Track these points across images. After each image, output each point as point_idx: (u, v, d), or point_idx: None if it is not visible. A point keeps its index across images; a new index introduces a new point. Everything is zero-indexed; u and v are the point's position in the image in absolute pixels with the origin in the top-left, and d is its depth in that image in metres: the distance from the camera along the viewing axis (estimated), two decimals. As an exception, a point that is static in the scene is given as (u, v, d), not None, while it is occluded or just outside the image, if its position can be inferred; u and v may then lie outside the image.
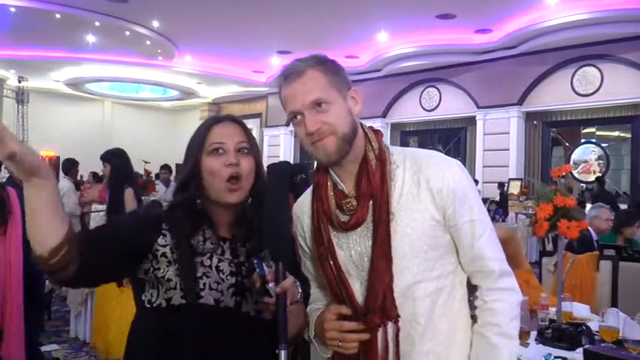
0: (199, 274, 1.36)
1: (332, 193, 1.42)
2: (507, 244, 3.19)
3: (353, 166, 1.41)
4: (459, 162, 1.45)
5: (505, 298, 1.39)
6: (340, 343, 1.36)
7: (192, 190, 1.42)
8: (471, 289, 1.46)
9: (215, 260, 1.41)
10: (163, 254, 1.38)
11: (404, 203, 1.37)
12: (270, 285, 1.27)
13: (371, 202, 1.37)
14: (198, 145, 1.43)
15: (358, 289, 1.40)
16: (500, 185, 12.05)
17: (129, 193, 4.22)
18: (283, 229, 1.27)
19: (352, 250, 1.40)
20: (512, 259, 3.19)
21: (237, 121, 1.49)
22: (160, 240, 1.39)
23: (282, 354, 1.23)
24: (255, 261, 1.34)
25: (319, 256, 1.42)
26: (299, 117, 1.34)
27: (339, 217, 1.40)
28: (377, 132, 1.47)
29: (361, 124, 1.45)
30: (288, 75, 1.35)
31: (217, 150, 1.41)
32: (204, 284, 1.36)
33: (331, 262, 1.41)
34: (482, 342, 1.39)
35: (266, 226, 1.27)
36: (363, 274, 1.39)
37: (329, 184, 1.43)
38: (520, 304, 1.42)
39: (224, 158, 1.40)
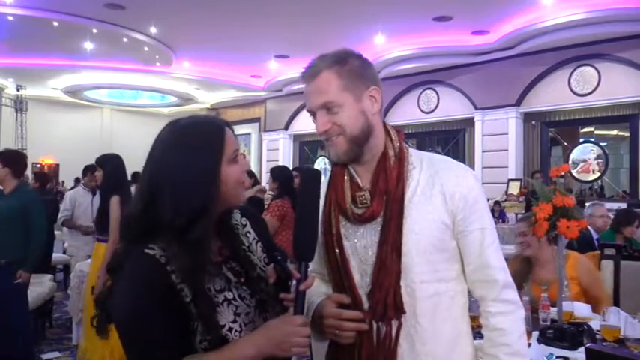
0: (232, 319, 1.27)
1: (348, 185, 1.46)
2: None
3: (371, 162, 1.45)
4: (473, 171, 1.50)
5: (510, 311, 1.40)
6: (337, 331, 1.38)
7: (212, 212, 1.24)
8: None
9: (234, 290, 1.32)
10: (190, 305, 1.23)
11: (415, 203, 1.40)
12: (293, 282, 1.30)
13: (384, 198, 1.40)
14: (217, 155, 1.27)
15: (359, 280, 1.42)
16: None
17: (114, 200, 4.16)
18: (312, 231, 1.32)
19: (358, 242, 1.43)
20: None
21: (229, 124, 1.40)
22: (182, 294, 1.22)
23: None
24: (279, 257, 1.40)
25: (325, 243, 1.45)
26: (313, 115, 1.42)
27: (353, 209, 1.43)
28: (399, 132, 1.52)
29: (384, 122, 1.49)
30: (305, 75, 1.42)
31: (237, 157, 1.32)
32: (240, 325, 1.27)
33: (337, 251, 1.44)
34: None
35: (297, 225, 1.31)
36: (365, 267, 1.41)
37: (346, 176, 1.47)
38: (525, 319, 1.44)
39: (240, 164, 1.34)
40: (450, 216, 1.39)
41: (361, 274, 1.42)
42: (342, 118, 1.38)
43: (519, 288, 3.20)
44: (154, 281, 1.19)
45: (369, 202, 1.41)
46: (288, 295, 1.30)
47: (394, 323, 1.38)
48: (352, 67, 1.41)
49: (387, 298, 1.36)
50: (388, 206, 1.39)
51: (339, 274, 1.44)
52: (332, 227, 1.45)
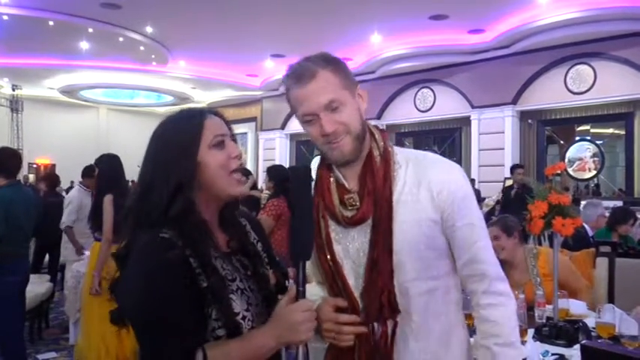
0: (245, 307, 1.28)
1: (334, 188, 1.44)
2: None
3: (357, 163, 1.44)
4: (460, 167, 1.49)
5: (501, 303, 1.41)
6: (335, 335, 1.38)
7: (187, 191, 1.26)
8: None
9: (245, 282, 1.33)
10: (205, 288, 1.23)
11: (403, 202, 1.39)
12: (290, 282, 1.32)
13: (373, 199, 1.39)
14: (194, 139, 1.29)
15: (353, 283, 1.42)
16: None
17: (107, 199, 4.15)
18: (308, 232, 1.29)
19: (349, 244, 1.43)
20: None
21: (218, 113, 1.41)
22: (200, 279, 1.23)
23: (300, 350, 1.25)
24: (278, 259, 1.41)
25: (317, 248, 1.43)
26: (313, 118, 1.36)
27: (342, 212, 1.42)
28: (382, 131, 1.50)
29: (367, 123, 1.47)
30: (300, 76, 1.35)
31: (222, 142, 1.32)
32: (252, 315, 1.29)
33: (328, 256, 1.43)
34: (487, 355, 1.40)
35: (294, 222, 1.29)
36: (359, 270, 1.41)
37: (331, 179, 1.45)
38: (520, 317, 1.44)
39: (228, 150, 1.33)
40: (439, 213, 1.39)
41: (355, 276, 1.42)
42: (346, 117, 1.36)
43: None
44: (172, 262, 1.19)
45: (358, 203, 1.40)
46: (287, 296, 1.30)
47: (390, 322, 1.39)
48: (341, 66, 1.41)
49: (382, 298, 1.36)
50: (377, 207, 1.38)
51: (333, 278, 1.43)
52: (321, 232, 1.44)
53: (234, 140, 1.39)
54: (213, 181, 1.30)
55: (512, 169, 8.39)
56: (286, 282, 1.37)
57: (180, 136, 1.30)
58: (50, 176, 8.01)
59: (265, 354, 1.23)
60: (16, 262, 4.02)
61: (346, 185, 1.43)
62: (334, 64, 1.39)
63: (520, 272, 3.26)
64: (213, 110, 1.39)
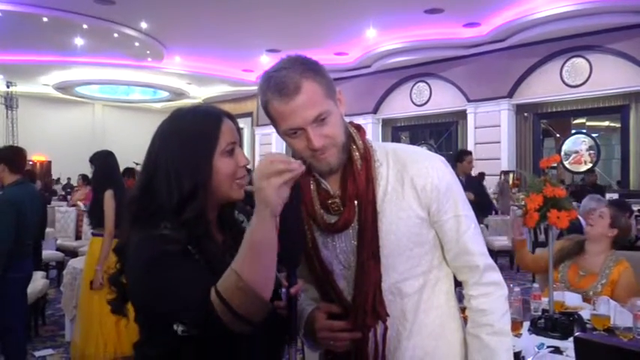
0: None
1: (315, 194, 1.39)
2: None
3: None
4: (442, 158, 1.44)
5: (492, 292, 1.40)
6: (332, 342, 1.37)
7: (202, 197, 1.24)
8: (458, 281, 1.47)
9: None
10: None
11: (388, 202, 1.36)
12: (283, 290, 1.26)
13: (356, 202, 1.35)
14: (209, 144, 1.26)
15: (345, 287, 1.40)
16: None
17: (108, 194, 4.20)
18: (296, 236, 1.24)
19: (338, 249, 1.40)
20: None
21: (232, 117, 1.37)
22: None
23: (292, 351, 1.25)
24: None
25: (305, 254, 1.40)
26: (298, 132, 1.28)
27: (324, 219, 1.38)
28: (359, 129, 1.44)
29: (346, 124, 1.40)
30: (283, 89, 1.24)
31: (232, 150, 1.29)
32: None
33: (317, 262, 1.40)
34: (476, 343, 1.39)
35: (281, 231, 1.21)
36: (350, 273, 1.38)
37: (311, 184, 1.40)
38: (507, 297, 1.44)
39: (237, 158, 1.30)
40: (425, 209, 1.36)
41: (347, 280, 1.40)
42: (332, 128, 1.28)
43: (557, 264, 3.17)
44: (174, 251, 1.17)
45: (341, 208, 1.36)
46: (281, 302, 1.27)
47: (380, 326, 1.37)
48: (322, 72, 1.29)
49: (369, 303, 1.34)
50: (361, 211, 1.34)
51: (324, 282, 1.42)
52: (307, 239, 1.40)
53: (241, 146, 1.36)
54: (218, 187, 1.28)
55: (460, 156, 6.60)
56: (279, 290, 1.34)
57: (197, 138, 1.26)
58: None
59: (264, 239, 1.12)
60: (21, 260, 4.03)
61: (330, 190, 1.38)
62: (316, 71, 1.27)
63: (592, 263, 3.18)
64: (228, 114, 1.36)
